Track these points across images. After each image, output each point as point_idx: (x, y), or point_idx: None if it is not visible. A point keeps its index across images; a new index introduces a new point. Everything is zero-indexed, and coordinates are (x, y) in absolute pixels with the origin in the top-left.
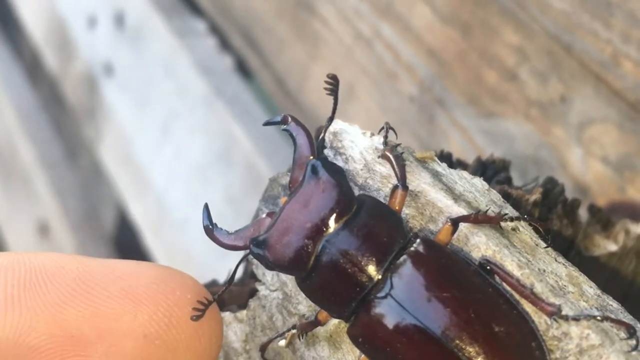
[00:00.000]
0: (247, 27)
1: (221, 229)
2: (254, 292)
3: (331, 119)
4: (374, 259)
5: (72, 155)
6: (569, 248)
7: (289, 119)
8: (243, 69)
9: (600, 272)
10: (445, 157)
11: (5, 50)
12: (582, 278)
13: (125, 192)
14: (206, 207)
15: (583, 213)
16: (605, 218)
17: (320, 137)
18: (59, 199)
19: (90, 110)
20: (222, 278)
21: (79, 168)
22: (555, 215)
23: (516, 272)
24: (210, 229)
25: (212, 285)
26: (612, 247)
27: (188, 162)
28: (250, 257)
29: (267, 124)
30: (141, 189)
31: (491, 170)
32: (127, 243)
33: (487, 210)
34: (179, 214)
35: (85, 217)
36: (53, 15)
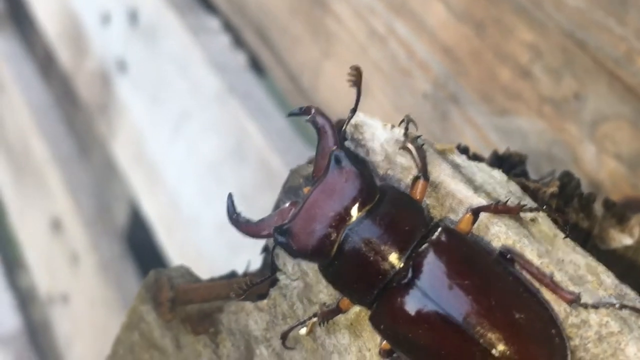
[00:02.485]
0: (261, 24)
1: (245, 217)
2: (274, 282)
3: (354, 111)
4: (396, 247)
5: (85, 152)
6: (585, 241)
7: (313, 110)
8: (256, 66)
9: (616, 264)
10: (463, 151)
11: (19, 46)
12: (601, 268)
13: (138, 188)
14: (230, 196)
15: (598, 208)
16: (620, 212)
17: (343, 128)
18: (72, 196)
19: (104, 106)
20: (238, 272)
21: (91, 164)
22: (572, 209)
23: (536, 262)
24: (235, 218)
25: (231, 276)
26: (628, 240)
27: (201, 158)
28: (271, 246)
29: (291, 114)
30: (154, 186)
31: (507, 165)
32: (140, 239)
33: (507, 200)
34: (191, 211)
35: (98, 213)
36: (66, 11)
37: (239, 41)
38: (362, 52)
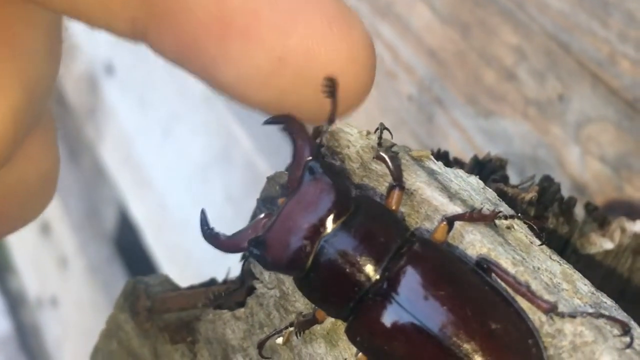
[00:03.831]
0: None
1: (219, 232)
2: (251, 290)
3: (331, 121)
4: (371, 259)
5: (74, 156)
6: (565, 246)
7: (288, 118)
8: None
9: (596, 270)
10: (442, 156)
11: None
12: (577, 275)
13: (126, 192)
14: (203, 212)
15: (580, 211)
16: (601, 216)
17: (319, 140)
18: (61, 199)
19: (92, 110)
20: (221, 277)
21: (80, 168)
22: (551, 214)
23: (510, 270)
24: (209, 233)
25: (210, 284)
26: (608, 245)
27: (188, 161)
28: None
29: (266, 122)
30: (142, 189)
31: (488, 169)
32: (128, 243)
33: (482, 208)
34: (179, 214)
35: (86, 217)
36: None
37: None
38: None
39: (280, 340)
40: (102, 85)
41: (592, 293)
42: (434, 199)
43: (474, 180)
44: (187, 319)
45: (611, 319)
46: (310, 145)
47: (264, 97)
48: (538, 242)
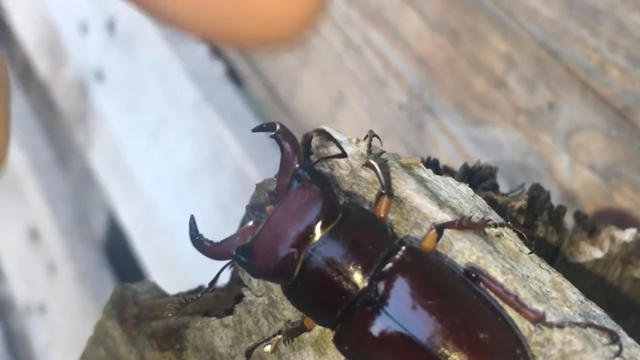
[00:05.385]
0: None
1: (207, 239)
2: (240, 297)
3: (344, 155)
4: (359, 268)
5: (63, 161)
6: (554, 255)
7: (277, 126)
8: (234, 76)
9: (586, 278)
10: (432, 164)
11: None
12: (566, 284)
13: (115, 197)
14: (192, 218)
15: (569, 220)
16: (591, 225)
17: (308, 145)
18: (50, 205)
19: (81, 115)
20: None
21: (69, 173)
22: (541, 222)
23: (500, 278)
24: (197, 240)
25: (198, 291)
26: (598, 253)
27: (178, 167)
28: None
29: (256, 130)
30: (131, 194)
31: (478, 177)
32: (117, 248)
33: (472, 216)
34: (168, 219)
35: (75, 222)
36: (44, 21)
37: (216, 51)
38: (338, 62)
39: (268, 348)
40: (92, 91)
41: (582, 302)
42: (424, 207)
43: (464, 188)
44: (175, 326)
45: (600, 328)
46: (298, 152)
47: (199, 21)
48: (527, 250)
